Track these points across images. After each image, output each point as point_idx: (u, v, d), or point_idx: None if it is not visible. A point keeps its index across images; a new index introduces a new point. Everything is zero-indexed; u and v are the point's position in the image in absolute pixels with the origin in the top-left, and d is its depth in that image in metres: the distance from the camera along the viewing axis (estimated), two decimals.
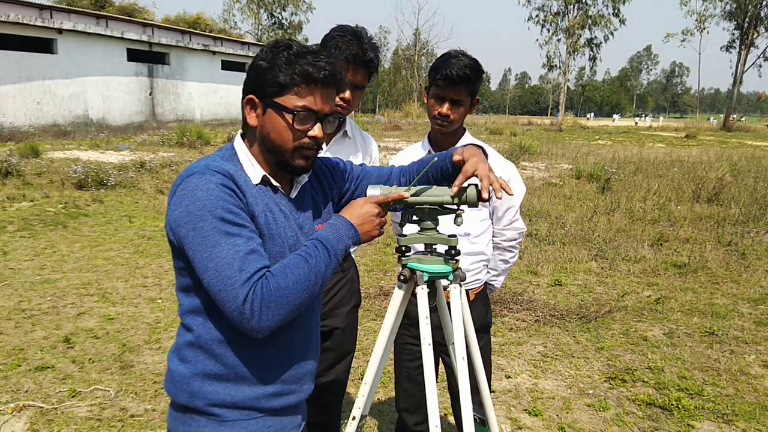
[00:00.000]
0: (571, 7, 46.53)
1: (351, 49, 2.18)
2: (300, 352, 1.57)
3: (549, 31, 48.61)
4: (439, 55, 2.42)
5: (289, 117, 1.42)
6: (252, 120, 1.46)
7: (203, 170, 1.36)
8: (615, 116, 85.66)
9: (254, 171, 1.47)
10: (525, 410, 3.63)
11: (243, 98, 1.47)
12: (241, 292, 1.29)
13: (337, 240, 1.46)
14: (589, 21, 47.20)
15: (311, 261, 1.39)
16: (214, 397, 1.44)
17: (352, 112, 2.59)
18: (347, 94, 2.25)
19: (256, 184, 1.46)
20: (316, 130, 1.45)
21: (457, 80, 2.22)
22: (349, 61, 2.19)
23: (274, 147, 1.46)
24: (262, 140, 1.47)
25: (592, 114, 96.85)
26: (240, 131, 1.55)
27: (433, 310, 1.95)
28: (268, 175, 1.48)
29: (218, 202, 1.32)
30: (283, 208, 1.51)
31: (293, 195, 1.56)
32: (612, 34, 47.97)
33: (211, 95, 30.29)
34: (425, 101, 2.42)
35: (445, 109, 2.28)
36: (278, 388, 1.50)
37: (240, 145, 1.51)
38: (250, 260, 1.32)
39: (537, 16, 48.19)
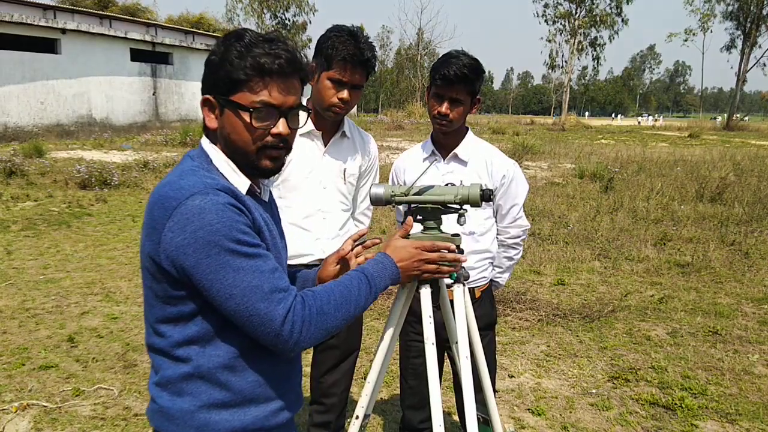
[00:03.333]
0: (574, 5, 46.44)
1: (348, 48, 2.18)
2: (299, 360, 1.56)
3: (556, 30, 48.57)
4: (440, 56, 2.43)
5: (246, 115, 1.30)
6: (211, 122, 1.35)
7: (204, 190, 1.23)
8: (619, 115, 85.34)
9: (239, 180, 1.37)
10: (528, 409, 3.63)
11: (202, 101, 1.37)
12: (278, 313, 1.24)
13: (381, 278, 1.44)
14: (596, 21, 47.11)
15: (354, 292, 1.37)
16: (225, 426, 1.34)
17: (354, 112, 2.59)
18: (345, 94, 2.26)
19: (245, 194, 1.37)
20: (280, 127, 1.34)
21: (455, 79, 2.24)
22: (347, 61, 2.20)
23: (236, 149, 1.35)
24: (224, 143, 1.36)
25: (588, 113, 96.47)
26: (204, 135, 1.43)
27: (438, 308, 1.96)
28: (253, 184, 1.40)
29: (231, 224, 1.22)
30: (267, 215, 1.44)
31: (266, 198, 1.48)
32: (617, 33, 47.95)
33: None
34: (426, 101, 2.44)
35: (444, 108, 2.30)
36: (282, 403, 1.45)
37: (215, 152, 1.37)
38: (276, 279, 1.27)
39: (544, 13, 48.12)
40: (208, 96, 1.34)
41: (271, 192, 1.54)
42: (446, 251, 1.60)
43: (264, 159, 1.36)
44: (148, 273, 1.31)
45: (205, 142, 1.39)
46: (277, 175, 2.33)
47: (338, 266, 1.68)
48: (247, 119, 1.31)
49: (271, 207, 1.52)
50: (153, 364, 1.38)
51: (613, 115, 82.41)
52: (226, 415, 1.34)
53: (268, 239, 1.36)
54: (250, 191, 1.38)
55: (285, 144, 1.38)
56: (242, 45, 1.29)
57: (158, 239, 1.23)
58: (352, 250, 1.69)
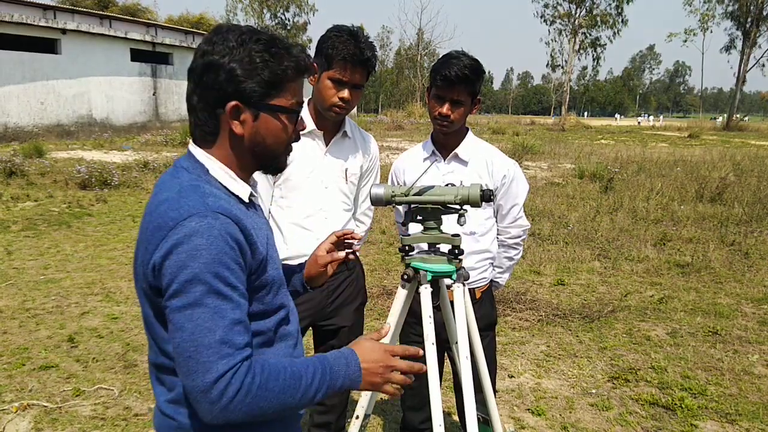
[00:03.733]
0: (574, 6, 46.43)
1: (348, 48, 2.19)
2: None
3: (557, 30, 48.57)
4: (440, 56, 2.43)
5: (285, 117, 1.31)
6: (239, 129, 1.27)
7: (203, 211, 1.17)
8: (620, 115, 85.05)
9: (240, 188, 1.32)
10: (528, 410, 3.63)
11: (212, 106, 1.27)
12: (217, 367, 1.12)
13: (339, 376, 1.28)
14: (596, 20, 47.09)
15: (306, 380, 1.22)
16: None
17: (354, 112, 2.60)
18: (346, 93, 2.26)
19: (246, 203, 1.33)
20: (301, 122, 1.38)
21: (455, 80, 2.25)
22: (347, 61, 2.20)
23: (267, 152, 1.33)
24: (251, 148, 1.31)
25: (586, 113, 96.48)
26: (192, 144, 1.34)
27: (438, 308, 1.96)
28: (252, 191, 1.36)
29: (217, 256, 1.15)
30: (264, 220, 1.42)
31: (258, 201, 1.45)
32: (618, 33, 47.91)
33: None
34: (427, 102, 2.44)
35: (445, 109, 2.30)
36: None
37: (210, 161, 1.31)
38: (235, 332, 1.16)
39: (543, 14, 48.12)
40: (237, 103, 1.25)
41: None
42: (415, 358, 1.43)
43: (286, 158, 1.39)
44: (143, 293, 1.26)
45: (197, 151, 1.32)
46: (279, 174, 2.35)
47: (326, 267, 1.69)
48: (286, 121, 1.31)
49: (258, 208, 1.47)
50: (162, 381, 1.32)
51: (618, 116, 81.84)
52: (249, 430, 1.28)
53: (264, 255, 1.29)
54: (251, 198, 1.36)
55: (298, 138, 1.40)
56: (266, 45, 1.26)
57: (151, 254, 1.19)
58: (336, 246, 1.70)
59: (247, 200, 1.33)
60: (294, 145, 1.40)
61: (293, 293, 1.71)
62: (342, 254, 1.70)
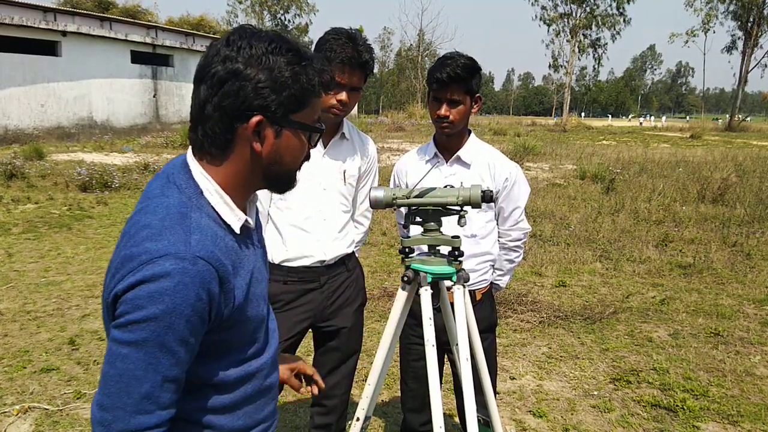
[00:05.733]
0: (575, 6, 46.45)
1: (346, 51, 2.19)
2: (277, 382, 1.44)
3: (555, 32, 48.58)
4: (437, 58, 2.44)
5: (305, 135, 1.23)
6: (258, 146, 1.17)
7: (183, 254, 1.06)
8: (630, 116, 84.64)
9: (233, 217, 1.21)
10: (530, 411, 3.62)
11: (231, 118, 1.15)
12: (131, 421, 1.06)
13: None
14: (596, 21, 47.12)
15: None
16: None
17: (354, 113, 2.60)
18: (344, 96, 2.26)
19: (237, 234, 1.22)
20: (315, 140, 1.29)
21: (448, 81, 2.26)
22: (345, 64, 2.20)
23: (282, 171, 1.24)
24: (267, 166, 1.21)
25: (583, 114, 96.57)
26: (191, 155, 1.22)
27: (438, 310, 1.96)
28: (247, 217, 1.25)
29: (179, 306, 1.05)
30: (258, 248, 1.32)
31: (253, 222, 1.31)
32: (619, 33, 47.95)
33: None
34: (427, 104, 2.44)
35: (443, 110, 2.31)
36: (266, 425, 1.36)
37: (207, 181, 1.19)
38: (164, 389, 1.08)
39: (542, 16, 48.14)
40: (262, 117, 1.15)
41: (256, 209, 1.38)
42: None
43: (298, 174, 1.30)
44: (103, 306, 1.17)
45: (195, 167, 1.20)
46: None
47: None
48: (306, 138, 1.24)
49: (257, 227, 1.37)
50: None
51: (629, 117, 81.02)
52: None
53: (241, 300, 1.19)
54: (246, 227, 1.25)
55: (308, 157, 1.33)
56: (305, 57, 1.18)
57: (118, 280, 1.09)
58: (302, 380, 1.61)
59: (238, 231, 1.21)
60: None
61: None
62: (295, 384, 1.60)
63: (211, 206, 1.18)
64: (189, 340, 1.09)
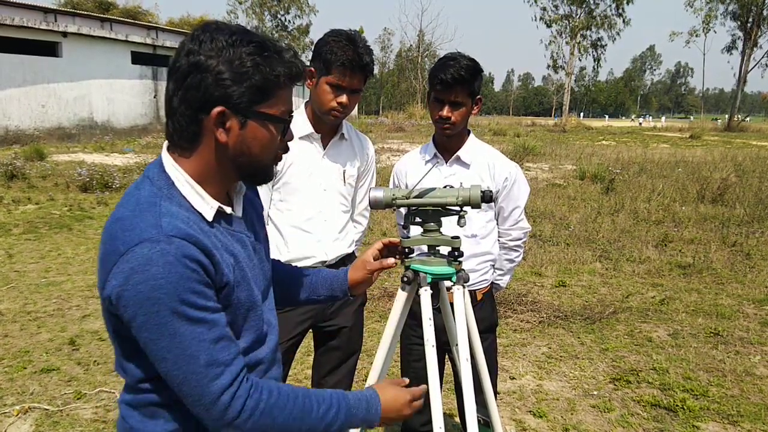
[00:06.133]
0: (575, 7, 46.46)
1: (347, 54, 2.19)
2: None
3: (557, 32, 48.58)
4: (438, 59, 2.44)
5: (275, 127, 1.22)
6: (223, 136, 1.19)
7: (155, 236, 1.09)
8: (620, 116, 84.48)
9: (205, 205, 1.21)
10: (530, 411, 3.62)
11: (195, 110, 1.17)
12: (211, 390, 1.13)
13: (358, 418, 1.31)
14: (594, 22, 47.12)
15: (317, 414, 1.24)
16: None
17: (355, 114, 2.61)
18: (344, 98, 2.27)
19: (210, 222, 1.22)
20: (289, 133, 1.28)
21: (453, 82, 2.25)
22: (345, 67, 2.20)
23: (252, 162, 1.24)
24: (235, 157, 1.22)
25: (581, 114, 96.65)
26: (165, 149, 1.24)
27: (438, 311, 1.96)
28: (222, 205, 1.25)
29: (178, 282, 1.08)
30: (241, 236, 1.31)
31: (239, 212, 1.33)
32: (618, 34, 47.94)
33: None
34: (427, 105, 2.44)
35: (445, 111, 2.31)
36: None
37: (177, 171, 1.21)
38: (218, 350, 1.14)
39: (542, 17, 48.13)
40: (223, 108, 1.16)
41: (249, 195, 1.41)
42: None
43: (274, 166, 1.30)
44: (103, 310, 1.20)
45: (167, 159, 1.22)
46: (277, 178, 2.36)
47: (373, 274, 1.67)
48: (275, 131, 1.22)
49: (246, 219, 1.37)
50: (126, 381, 1.30)
51: (631, 117, 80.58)
52: None
53: (230, 279, 1.21)
54: (218, 212, 1.24)
55: (287, 149, 1.31)
56: (259, 47, 1.17)
57: (105, 279, 1.12)
58: (381, 253, 1.69)
59: (210, 218, 1.21)
60: (292, 148, 1.36)
61: (331, 298, 1.70)
62: (392, 261, 1.68)
63: (183, 196, 1.20)
64: (208, 305, 1.14)
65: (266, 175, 1.29)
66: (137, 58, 25.29)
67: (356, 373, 2.86)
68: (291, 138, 1.29)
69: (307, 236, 2.42)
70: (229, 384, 1.14)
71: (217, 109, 1.16)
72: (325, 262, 2.44)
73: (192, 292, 1.10)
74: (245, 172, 1.26)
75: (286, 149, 1.30)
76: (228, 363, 1.15)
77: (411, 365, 2.62)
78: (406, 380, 1.51)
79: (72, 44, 22.01)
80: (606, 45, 48.95)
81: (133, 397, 1.27)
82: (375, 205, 1.83)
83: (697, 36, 54.94)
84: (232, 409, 1.14)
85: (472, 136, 2.50)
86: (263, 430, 1.18)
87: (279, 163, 1.33)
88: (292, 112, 1.27)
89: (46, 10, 25.13)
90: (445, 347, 2.26)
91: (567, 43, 47.96)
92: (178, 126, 1.19)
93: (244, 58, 1.15)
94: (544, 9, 47.76)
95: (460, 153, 2.44)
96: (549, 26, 48.18)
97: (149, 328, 1.09)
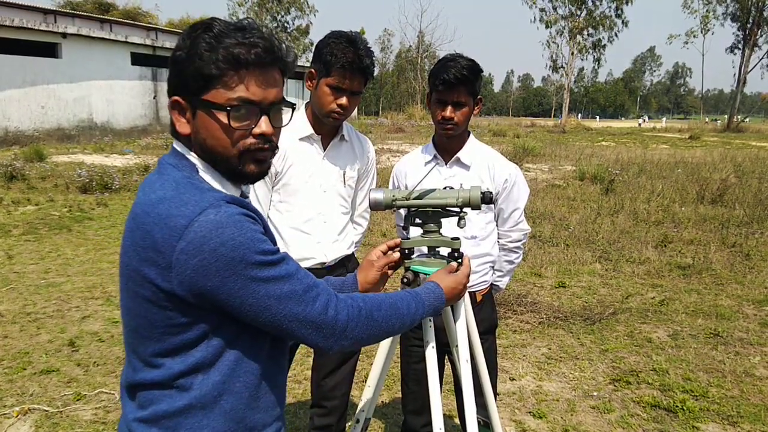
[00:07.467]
0: (574, 8, 46.49)
1: (347, 55, 2.19)
2: (285, 382, 1.45)
3: (557, 32, 48.60)
4: (437, 60, 2.43)
5: (222, 115, 1.15)
6: (182, 127, 1.19)
7: (215, 202, 1.10)
8: (643, 118, 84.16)
9: (225, 191, 1.22)
10: (529, 412, 3.62)
11: (171, 106, 1.20)
12: (314, 309, 1.18)
13: (429, 304, 1.44)
14: (594, 22, 47.16)
15: (403, 309, 1.35)
16: None
17: (355, 115, 2.61)
18: (344, 100, 2.27)
19: None
20: (263, 125, 1.18)
21: (455, 82, 2.25)
22: (346, 69, 2.20)
23: (216, 156, 1.19)
24: (201, 150, 1.20)
25: (580, 115, 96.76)
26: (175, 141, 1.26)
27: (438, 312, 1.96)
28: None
29: (252, 236, 1.11)
30: None
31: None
32: (617, 35, 47.99)
33: None
34: (428, 106, 2.44)
35: (447, 112, 2.30)
36: (277, 426, 1.34)
37: (195, 160, 1.21)
38: (303, 276, 1.20)
39: (541, 17, 48.17)
40: (176, 98, 1.17)
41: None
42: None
43: (249, 164, 1.21)
44: (145, 302, 1.15)
45: (184, 149, 1.22)
46: (277, 179, 2.36)
47: (381, 273, 1.68)
48: (224, 120, 1.15)
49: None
50: (135, 397, 1.24)
51: (640, 120, 79.45)
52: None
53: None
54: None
55: (270, 144, 1.22)
56: (211, 36, 1.13)
57: (168, 263, 1.09)
58: (387, 254, 1.72)
59: None
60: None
61: None
62: (398, 254, 1.73)
63: (206, 181, 1.20)
64: (277, 249, 1.19)
65: (232, 170, 1.21)
66: (137, 59, 25.28)
67: (356, 374, 2.86)
68: (265, 131, 1.20)
69: (306, 237, 2.42)
70: (328, 299, 1.21)
71: (172, 98, 1.19)
72: (325, 263, 2.44)
73: (264, 242, 1.14)
74: (218, 167, 1.22)
75: (271, 148, 1.23)
76: (317, 283, 1.22)
77: (411, 367, 2.62)
78: (454, 265, 1.67)
79: (72, 45, 22.00)
80: (605, 46, 49.01)
81: (153, 410, 1.20)
82: (375, 206, 1.83)
83: (694, 37, 54.95)
84: (340, 319, 1.21)
85: (472, 137, 2.50)
86: (369, 332, 1.27)
87: (259, 162, 1.23)
88: (251, 100, 1.17)
89: (45, 11, 25.15)
90: (444, 348, 2.26)
91: (567, 43, 48.02)
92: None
93: (199, 43, 1.14)
94: (543, 10, 47.83)
95: (459, 154, 2.44)
96: (548, 27, 48.23)
97: (243, 285, 1.11)
